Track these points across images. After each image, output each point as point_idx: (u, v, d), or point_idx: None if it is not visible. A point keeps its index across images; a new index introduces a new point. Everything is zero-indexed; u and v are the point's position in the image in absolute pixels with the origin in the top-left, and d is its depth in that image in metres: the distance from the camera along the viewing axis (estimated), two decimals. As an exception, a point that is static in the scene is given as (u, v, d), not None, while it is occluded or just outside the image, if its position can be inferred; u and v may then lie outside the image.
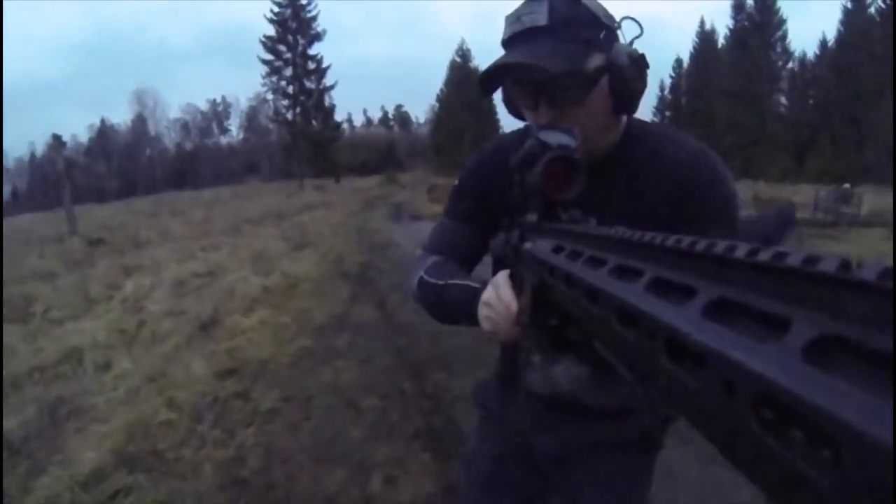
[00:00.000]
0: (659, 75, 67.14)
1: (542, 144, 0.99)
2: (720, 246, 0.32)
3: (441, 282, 1.33)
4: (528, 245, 0.86)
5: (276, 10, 52.50)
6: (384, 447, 3.41)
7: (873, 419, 0.19)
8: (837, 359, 0.22)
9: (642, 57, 1.21)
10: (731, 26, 55.27)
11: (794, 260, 0.26)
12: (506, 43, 1.19)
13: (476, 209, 1.47)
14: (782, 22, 53.21)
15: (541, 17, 1.14)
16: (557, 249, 0.68)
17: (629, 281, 0.41)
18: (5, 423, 3.93)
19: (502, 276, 1.08)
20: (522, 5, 1.18)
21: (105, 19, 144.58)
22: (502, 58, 1.15)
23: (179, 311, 6.79)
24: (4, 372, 5.07)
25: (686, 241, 0.36)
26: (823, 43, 52.36)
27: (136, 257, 11.73)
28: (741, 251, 0.30)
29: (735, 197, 1.32)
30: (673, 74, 63.74)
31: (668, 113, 64.26)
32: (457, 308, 1.26)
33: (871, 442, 0.18)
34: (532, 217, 0.96)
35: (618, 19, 1.22)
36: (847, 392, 0.20)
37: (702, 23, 59.33)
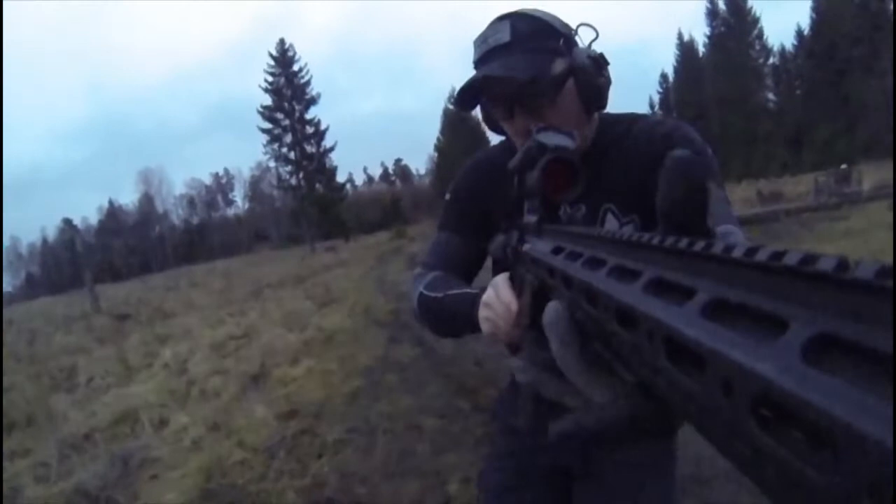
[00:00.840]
0: (647, 92, 68.02)
1: (540, 146, 1.02)
2: (718, 246, 0.32)
3: (440, 294, 1.36)
4: (527, 246, 0.88)
5: (270, 79, 53.81)
6: (452, 456, 3.59)
7: (872, 419, 0.19)
8: (836, 358, 0.23)
9: (601, 56, 1.32)
10: (709, 33, 56.76)
11: (791, 259, 0.26)
12: (477, 63, 1.30)
13: (470, 218, 1.53)
14: (756, 21, 54.68)
15: (504, 36, 1.26)
16: (557, 251, 0.69)
17: (628, 282, 0.42)
18: (80, 476, 4.12)
19: (502, 278, 1.10)
20: (487, 28, 1.30)
21: (107, 104, 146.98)
22: (475, 75, 1.25)
23: (224, 371, 6.98)
24: (64, 435, 5.26)
25: (684, 241, 0.36)
26: (799, 33, 53.58)
27: (166, 327, 11.86)
28: (739, 251, 0.30)
29: (708, 151, 1.35)
30: (660, 90, 64.91)
31: (657, 112, 64.98)
32: (457, 315, 1.28)
33: (870, 441, 0.19)
34: (531, 218, 0.97)
35: (574, 27, 1.33)
36: (845, 392, 0.21)
37: (680, 35, 60.87)
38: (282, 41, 54.78)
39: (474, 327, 1.18)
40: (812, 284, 0.24)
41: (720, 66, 53.55)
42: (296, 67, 54.19)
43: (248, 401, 5.49)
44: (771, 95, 56.13)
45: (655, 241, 0.40)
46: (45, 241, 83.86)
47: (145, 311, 15.79)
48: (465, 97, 1.31)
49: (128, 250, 73.46)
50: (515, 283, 1.03)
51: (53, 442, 5.11)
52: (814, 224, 14.43)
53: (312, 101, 54.48)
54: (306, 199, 51.18)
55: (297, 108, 53.71)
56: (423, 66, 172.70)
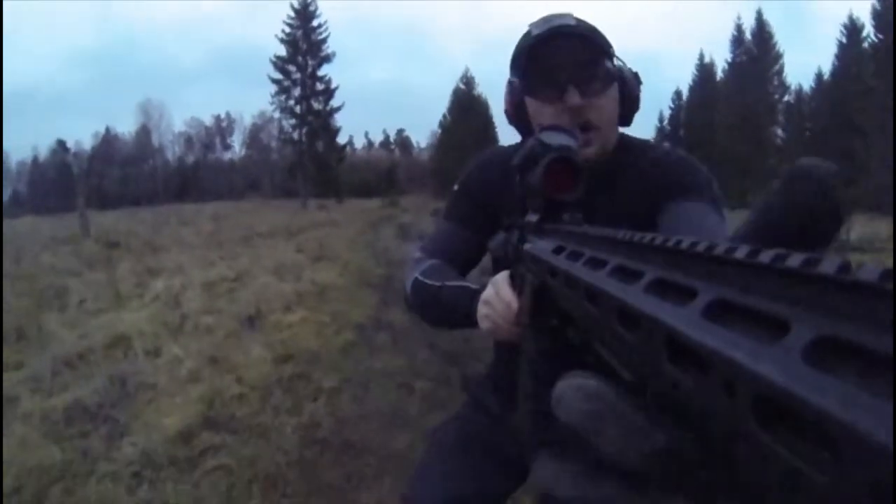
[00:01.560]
0: (658, 107, 67.62)
1: (542, 145, 1.03)
2: (720, 247, 0.32)
3: (438, 283, 1.36)
4: (528, 245, 0.88)
5: (288, 30, 53.08)
6: (442, 415, 3.73)
7: (873, 420, 0.19)
8: (838, 360, 0.23)
9: (638, 75, 1.39)
10: (730, 60, 55.94)
11: (794, 261, 0.26)
12: (531, 47, 1.29)
13: (477, 212, 1.53)
14: (779, 56, 54.10)
15: (570, 20, 1.28)
16: (558, 250, 0.68)
17: (630, 282, 0.42)
18: (76, 393, 4.23)
19: (502, 276, 1.10)
20: (548, 14, 1.32)
21: (117, 31, 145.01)
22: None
23: (216, 310, 7.10)
24: (57, 352, 5.36)
25: (686, 241, 0.36)
26: (819, 76, 53.13)
27: (157, 261, 11.93)
28: (741, 252, 0.30)
29: (712, 182, 1.38)
30: (672, 106, 64.15)
31: (666, 144, 64.73)
32: (454, 308, 1.29)
33: (871, 443, 0.19)
34: (533, 218, 0.97)
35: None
36: (847, 393, 0.21)
37: (701, 56, 60.11)
38: (305, -6, 54.38)
39: (472, 323, 1.20)
40: (814, 286, 0.25)
41: (736, 94, 53.02)
42: (315, 23, 53.50)
43: (243, 341, 5.65)
44: (780, 132, 55.90)
45: (658, 241, 0.40)
46: (35, 160, 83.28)
47: (135, 243, 15.80)
48: (537, 50, 1.29)
49: (120, 179, 72.98)
50: (516, 282, 1.03)
51: (48, 358, 5.20)
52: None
53: (327, 58, 53.78)
54: (306, 154, 50.91)
55: (310, 63, 53.05)
56: (437, 46, 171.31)
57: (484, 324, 1.13)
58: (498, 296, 1.07)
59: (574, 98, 1.24)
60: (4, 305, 7.68)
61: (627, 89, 1.34)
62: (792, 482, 0.23)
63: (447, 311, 1.31)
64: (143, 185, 72.67)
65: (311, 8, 53.50)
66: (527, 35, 1.32)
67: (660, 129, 65.17)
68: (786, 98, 55.07)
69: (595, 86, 1.26)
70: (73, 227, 18.84)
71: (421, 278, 1.40)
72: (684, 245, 0.36)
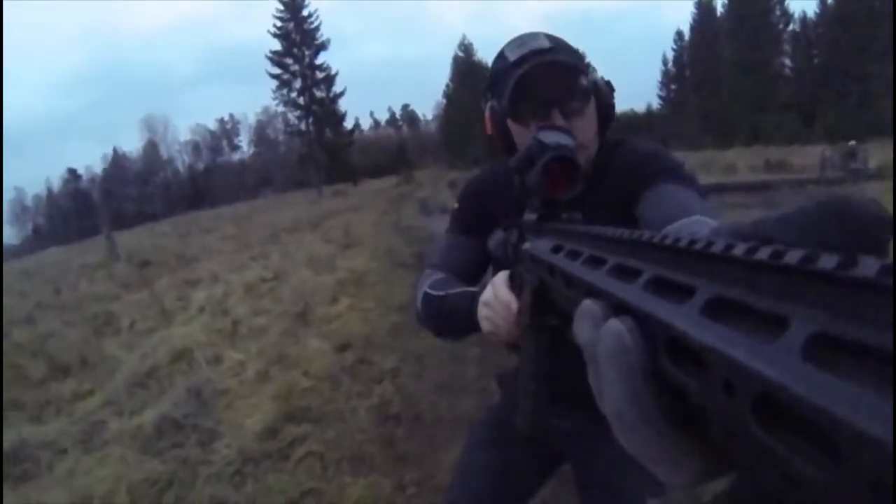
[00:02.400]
0: (661, 49, 66.78)
1: (540, 145, 1.05)
2: (718, 244, 0.32)
3: (442, 293, 1.38)
4: (527, 245, 0.87)
5: (279, 24, 52.99)
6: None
7: (873, 418, 0.19)
8: (836, 357, 0.22)
9: (610, 83, 1.40)
10: None
11: (792, 258, 0.25)
12: (514, 64, 1.31)
13: (478, 221, 1.52)
14: None
15: (543, 42, 1.31)
16: (556, 249, 0.67)
17: (628, 280, 0.41)
18: (158, 409, 4.51)
19: (501, 277, 1.11)
20: (520, 37, 1.35)
21: (107, 50, 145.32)
22: (537, 59, 1.26)
23: (264, 311, 7.36)
24: (125, 374, 5.66)
25: (684, 239, 0.36)
26: (822, 0, 51.62)
27: (191, 272, 12.17)
28: (739, 249, 0.30)
29: (682, 164, 1.38)
30: (675, 47, 63.19)
31: (672, 86, 63.72)
32: (456, 312, 1.30)
33: (871, 441, 0.18)
34: (531, 217, 0.98)
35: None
36: (846, 390, 0.20)
37: None
38: (291, -14, 54.09)
39: (474, 326, 1.21)
40: (813, 283, 0.24)
41: (737, 28, 51.86)
42: (305, 13, 53.39)
43: (298, 337, 5.89)
44: (788, 62, 54.51)
45: (656, 239, 0.40)
46: (49, 192, 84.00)
47: (165, 258, 16.02)
48: (523, 85, 1.30)
49: (139, 198, 73.33)
50: (515, 282, 1.05)
51: (120, 381, 5.50)
52: (816, 198, 14.61)
53: (322, 46, 53.85)
54: (315, 144, 51.07)
55: (306, 53, 53.17)
56: (431, 14, 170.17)
57: (484, 325, 1.15)
58: (497, 296, 1.09)
59: (558, 120, 1.27)
60: (59, 337, 8.04)
61: (603, 100, 1.37)
62: (791, 481, 0.24)
63: (451, 317, 1.34)
64: (158, 198, 72.93)
65: (299, -1, 53.07)
66: (503, 59, 1.36)
67: (664, 72, 64.41)
68: (790, 27, 53.61)
69: (575, 105, 1.30)
70: (100, 252, 19.11)
71: (429, 291, 1.43)
72: (682, 243, 0.36)
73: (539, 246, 0.76)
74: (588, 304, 0.44)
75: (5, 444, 4.47)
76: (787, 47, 53.81)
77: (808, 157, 24.78)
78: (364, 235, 13.54)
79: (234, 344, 6.20)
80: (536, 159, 1.00)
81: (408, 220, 17.24)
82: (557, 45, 1.32)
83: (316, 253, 11.47)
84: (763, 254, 0.27)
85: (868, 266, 0.21)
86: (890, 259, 0.21)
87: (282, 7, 53.23)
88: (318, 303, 7.11)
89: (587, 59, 1.43)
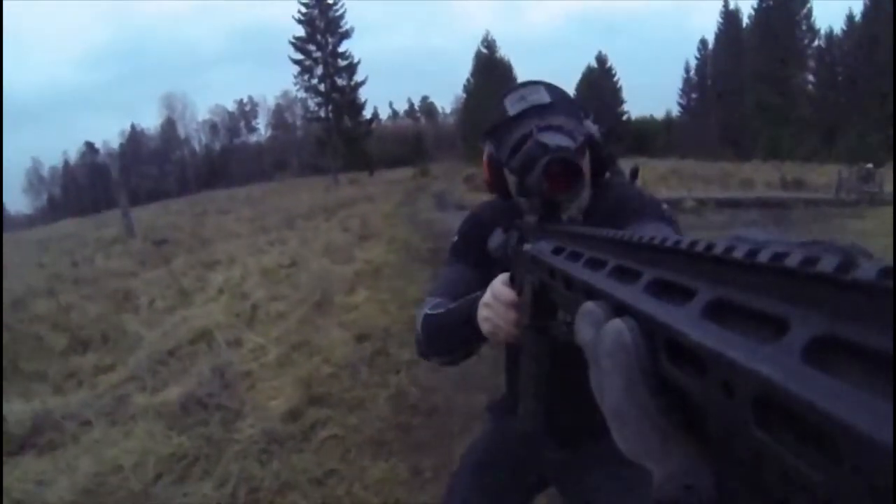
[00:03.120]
0: (684, 56, 66.50)
1: (541, 146, 1.06)
2: (719, 247, 0.32)
3: (442, 309, 1.36)
4: (527, 246, 0.86)
5: (304, 10, 53.02)
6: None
7: (873, 419, 0.19)
8: (837, 359, 0.22)
9: (607, 131, 1.41)
10: (756, 6, 54.22)
11: (792, 260, 0.25)
12: (514, 119, 1.31)
13: (476, 255, 1.49)
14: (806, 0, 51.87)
15: (543, 97, 1.31)
16: (557, 251, 0.68)
17: (629, 282, 0.42)
18: (183, 387, 4.66)
19: (502, 278, 1.10)
20: (520, 88, 1.36)
21: (130, 27, 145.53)
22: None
23: (282, 296, 7.48)
24: (147, 351, 5.82)
25: (685, 242, 0.36)
26: (850, 18, 51.17)
27: (208, 254, 12.32)
28: (740, 252, 0.30)
29: (661, 203, 1.43)
30: (698, 56, 63.00)
31: (693, 95, 63.58)
32: (458, 320, 1.27)
33: (871, 442, 0.18)
34: (532, 218, 0.98)
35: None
36: (846, 392, 0.20)
37: (726, 2, 58.46)
38: (317, -30, 53.91)
39: (475, 330, 1.18)
40: (813, 285, 0.24)
41: (763, 40, 51.64)
42: (330, 0, 53.39)
43: (317, 324, 6.03)
44: (811, 78, 54.07)
45: (656, 241, 0.40)
46: (66, 164, 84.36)
47: (182, 237, 16.20)
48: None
49: (157, 175, 73.43)
50: (515, 283, 1.04)
51: (143, 357, 5.64)
52: (830, 219, 14.70)
53: (346, 34, 53.91)
54: (333, 131, 51.02)
55: (329, 41, 53.22)
56: (455, 8, 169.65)
57: (484, 326, 1.14)
58: (497, 297, 1.08)
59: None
60: (79, 310, 8.20)
61: (597, 151, 1.37)
62: (791, 482, 0.24)
63: (452, 327, 1.31)
64: (174, 176, 73.05)
65: (326, -15, 52.79)
66: (501, 110, 1.35)
67: (686, 80, 64.16)
68: (816, 43, 53.10)
69: (575, 167, 1.19)
70: (115, 227, 19.37)
71: (429, 312, 1.41)
72: (683, 245, 0.36)
73: (540, 247, 0.77)
74: (589, 305, 0.45)
75: (30, 414, 4.62)
76: (811, 63, 53.29)
77: (826, 175, 24.74)
78: (380, 227, 13.63)
79: (253, 328, 6.33)
80: (537, 161, 1.01)
81: (424, 214, 17.33)
82: (556, 100, 1.33)
83: (333, 242, 11.56)
84: (764, 256, 0.28)
85: (868, 269, 0.22)
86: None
87: (306, -7, 53.15)
88: (336, 292, 7.22)
89: (583, 113, 1.41)
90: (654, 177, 24.11)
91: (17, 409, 4.71)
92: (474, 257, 1.53)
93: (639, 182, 1.59)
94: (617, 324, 0.39)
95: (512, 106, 1.32)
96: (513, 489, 1.67)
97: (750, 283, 0.29)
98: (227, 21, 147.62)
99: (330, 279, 7.91)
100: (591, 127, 1.37)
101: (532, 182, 1.00)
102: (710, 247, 0.33)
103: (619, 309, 0.41)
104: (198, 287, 9.09)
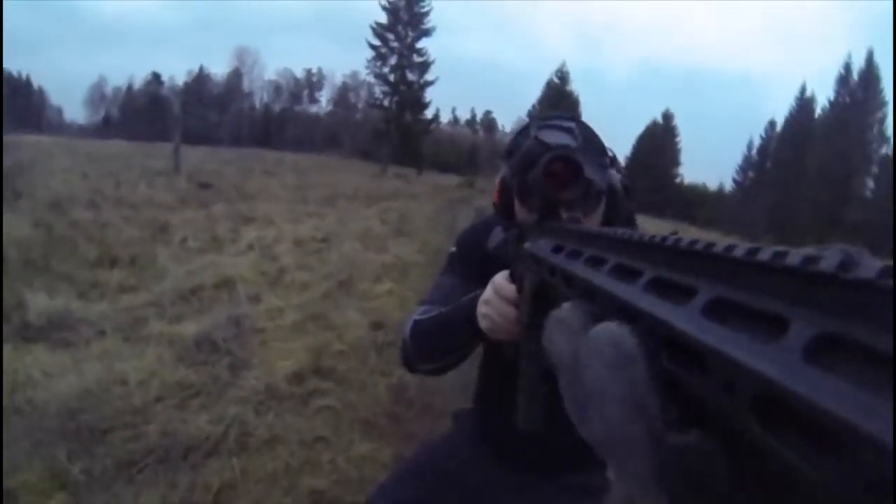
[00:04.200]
0: (749, 133, 65.67)
1: (542, 144, 1.06)
2: (720, 245, 0.32)
3: (435, 312, 1.36)
4: (527, 244, 0.85)
5: (391, -1, 53.37)
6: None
7: (873, 418, 0.19)
8: (837, 358, 0.22)
9: (630, 184, 1.35)
10: (832, 98, 53.69)
11: (793, 259, 0.26)
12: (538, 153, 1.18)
13: (472, 267, 1.50)
14: (883, 103, 51.45)
15: (571, 141, 1.22)
16: (557, 249, 0.67)
17: (629, 280, 0.41)
18: (199, 325, 4.87)
19: (501, 276, 1.09)
20: (550, 122, 1.29)
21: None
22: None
23: (309, 267, 7.65)
24: (171, 283, 6.05)
25: (686, 240, 0.36)
26: None
27: (248, 208, 12.45)
28: (740, 250, 0.30)
29: None
30: (763, 136, 62.09)
31: (751, 173, 62.73)
32: (455, 319, 1.26)
33: (871, 441, 0.18)
34: (532, 216, 0.97)
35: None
36: (847, 391, 0.20)
37: (803, 89, 57.86)
38: (415, -37, 53.99)
39: (474, 329, 1.16)
40: (814, 284, 0.24)
41: (832, 135, 50.91)
42: (419, -5, 53.64)
43: (338, 302, 6.18)
44: (871, 184, 52.77)
45: (657, 240, 0.40)
46: (130, 87, 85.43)
47: (225, 186, 16.35)
48: (516, 166, 1.26)
49: (216, 120, 73.85)
50: (515, 281, 1.04)
51: (167, 289, 5.87)
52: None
53: (427, 32, 53.75)
54: (393, 123, 51.10)
55: (410, 34, 53.22)
56: (537, 31, 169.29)
57: (483, 323, 1.13)
58: (497, 295, 1.08)
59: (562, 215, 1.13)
60: (115, 229, 8.42)
61: (615, 201, 1.31)
62: (792, 481, 0.23)
63: (448, 327, 1.30)
64: (230, 126, 73.54)
65: (418, -21, 53.00)
66: (527, 136, 1.29)
67: (746, 157, 63.36)
68: (883, 150, 52.12)
69: (589, 208, 1.24)
70: (163, 160, 19.67)
71: (419, 318, 1.40)
72: (683, 244, 0.36)
73: (540, 245, 0.76)
74: (563, 313, 0.42)
75: (50, 310, 4.82)
76: (875, 169, 52.28)
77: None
78: (417, 225, 13.71)
79: (275, 290, 6.52)
80: (538, 159, 0.99)
81: (462, 224, 16.91)
82: (582, 146, 1.24)
83: (370, 229, 11.67)
84: (764, 255, 0.28)
85: (869, 268, 0.22)
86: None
87: (399, -19, 53.36)
88: (362, 278, 7.34)
89: (610, 155, 1.37)
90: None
91: (40, 303, 4.94)
92: (469, 271, 1.52)
93: None
94: (612, 329, 0.37)
95: (538, 134, 1.25)
96: (452, 497, 1.62)
97: (750, 282, 0.29)
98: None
99: (358, 264, 8.04)
100: (615, 177, 1.33)
101: (533, 179, 0.98)
102: (710, 245, 0.33)
103: (613, 310, 0.41)
104: (230, 237, 9.29)
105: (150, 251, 7.65)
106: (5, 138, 13.81)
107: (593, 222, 1.25)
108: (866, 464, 0.19)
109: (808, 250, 0.26)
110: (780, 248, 0.27)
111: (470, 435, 1.72)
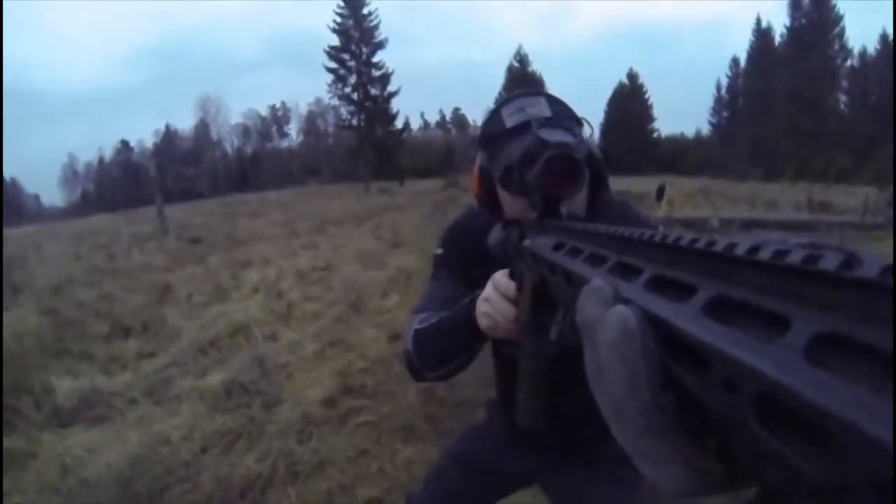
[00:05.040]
0: (715, 75, 66.14)
1: (541, 142, 1.05)
2: (720, 244, 0.31)
3: (434, 319, 1.32)
4: (527, 242, 0.85)
5: (339, 20, 53.81)
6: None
7: (874, 417, 0.19)
8: (838, 357, 0.22)
9: (605, 149, 1.35)
10: (788, 24, 54.24)
11: (794, 258, 0.25)
12: (512, 131, 1.25)
13: (461, 267, 1.51)
14: (839, 18, 51.98)
15: (544, 110, 1.25)
16: (557, 247, 0.67)
17: (629, 279, 0.41)
18: (226, 373, 4.97)
19: (501, 273, 1.08)
20: (519, 98, 1.30)
21: (176, 28, 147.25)
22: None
23: (315, 297, 7.77)
24: (187, 340, 6.13)
25: (686, 238, 0.35)
26: (883, 37, 50.89)
27: (242, 254, 12.57)
28: (741, 249, 0.29)
29: (649, 217, 1.43)
30: (730, 74, 62.89)
31: (725, 113, 63.07)
32: (455, 320, 1.24)
33: (872, 440, 0.18)
34: (532, 214, 0.95)
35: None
36: (848, 390, 0.20)
37: (758, 21, 58.39)
38: (353, -18, 54.57)
39: (474, 329, 1.15)
40: (815, 283, 0.24)
41: (794, 59, 51.52)
42: (365, 11, 54.13)
43: (352, 324, 6.31)
44: (844, 98, 53.78)
45: (657, 238, 0.39)
46: (101, 160, 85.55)
47: (215, 237, 16.48)
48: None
49: (192, 175, 73.89)
50: (515, 279, 1.02)
51: (185, 346, 5.95)
52: (854, 242, 14.53)
53: (380, 45, 54.65)
54: (366, 140, 51.51)
55: (364, 50, 53.90)
56: (490, 20, 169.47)
57: (483, 321, 1.11)
58: (497, 293, 1.06)
59: None
60: (120, 300, 8.54)
61: (595, 170, 1.31)
62: (792, 480, 0.23)
63: (449, 331, 1.27)
64: (205, 177, 73.68)
65: (360, -4, 53.39)
66: (497, 121, 1.31)
67: (717, 98, 63.74)
68: (849, 62, 52.70)
69: (576, 182, 1.14)
70: (148, 224, 19.95)
71: (419, 326, 1.36)
72: (684, 242, 0.35)
73: (540, 243, 0.76)
74: (598, 282, 0.42)
75: (78, 391, 4.92)
76: (844, 83, 52.95)
77: (855, 197, 24.38)
78: (411, 235, 13.79)
79: (288, 325, 6.63)
80: (537, 156, 0.99)
81: None
82: (557, 115, 1.27)
83: (365, 248, 11.77)
84: (765, 254, 0.27)
85: (870, 267, 0.22)
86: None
87: (342, 4, 53.96)
88: (370, 296, 7.48)
89: (584, 125, 1.36)
90: (681, 195, 23.99)
91: (66, 386, 5.04)
92: (458, 270, 1.53)
93: (665, 201, 1.61)
94: (621, 310, 0.37)
95: (509, 117, 1.28)
96: (491, 482, 1.70)
97: (751, 281, 0.29)
98: (263, 27, 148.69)
99: (363, 284, 8.17)
100: (592, 144, 1.33)
101: (532, 177, 0.98)
102: (711, 244, 0.33)
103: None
104: (233, 285, 9.37)
105: (159, 314, 7.71)
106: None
107: (578, 201, 1.26)
108: (867, 463, 0.19)
109: (807, 245, 0.27)
110: (781, 247, 0.27)
111: (501, 422, 1.75)
